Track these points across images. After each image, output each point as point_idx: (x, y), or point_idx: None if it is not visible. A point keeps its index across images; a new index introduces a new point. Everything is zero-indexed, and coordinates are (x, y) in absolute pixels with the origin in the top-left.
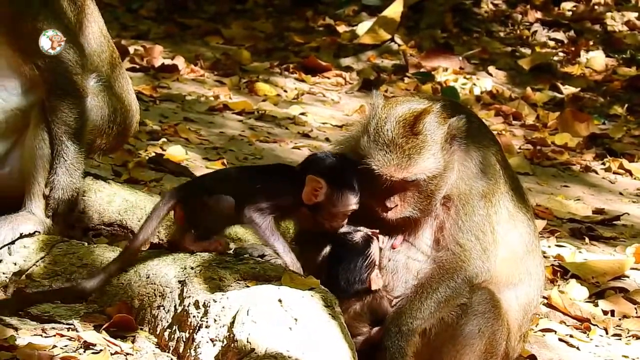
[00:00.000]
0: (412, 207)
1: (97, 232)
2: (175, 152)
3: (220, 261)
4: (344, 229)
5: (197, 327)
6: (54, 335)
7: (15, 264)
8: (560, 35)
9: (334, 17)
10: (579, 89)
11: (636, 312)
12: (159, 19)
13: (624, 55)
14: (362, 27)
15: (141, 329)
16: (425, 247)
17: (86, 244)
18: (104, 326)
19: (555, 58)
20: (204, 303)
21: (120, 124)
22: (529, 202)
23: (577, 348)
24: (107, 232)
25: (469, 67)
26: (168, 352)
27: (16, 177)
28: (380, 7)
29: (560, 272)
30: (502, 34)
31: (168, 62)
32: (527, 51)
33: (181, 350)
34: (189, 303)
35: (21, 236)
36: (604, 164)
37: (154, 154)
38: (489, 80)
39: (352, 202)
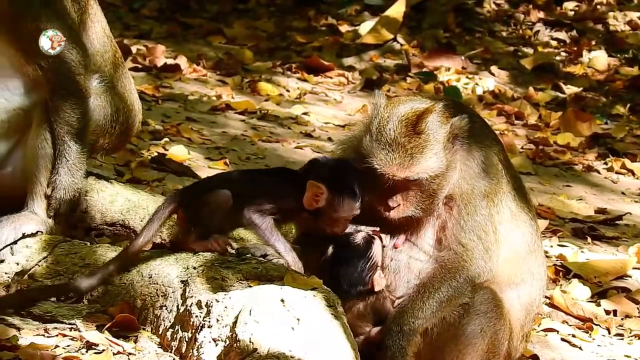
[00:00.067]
0: (415, 206)
1: (99, 232)
2: (178, 151)
3: (222, 261)
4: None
5: (200, 327)
6: (57, 335)
7: (17, 264)
8: (562, 35)
9: (337, 16)
10: (581, 88)
11: (638, 312)
12: (161, 19)
13: (626, 55)
14: (365, 27)
15: (143, 329)
16: (428, 246)
17: (88, 243)
18: (107, 326)
19: (558, 58)
20: (207, 303)
21: (123, 124)
22: (532, 202)
23: (580, 348)
24: (110, 232)
25: (471, 66)
26: (170, 352)
27: (19, 176)
28: (382, 6)
29: (563, 271)
30: (504, 34)
31: (170, 61)
32: (530, 51)
33: (183, 350)
34: (192, 303)
35: (24, 236)
36: (606, 163)
37: (156, 154)
38: (492, 80)
39: (354, 207)
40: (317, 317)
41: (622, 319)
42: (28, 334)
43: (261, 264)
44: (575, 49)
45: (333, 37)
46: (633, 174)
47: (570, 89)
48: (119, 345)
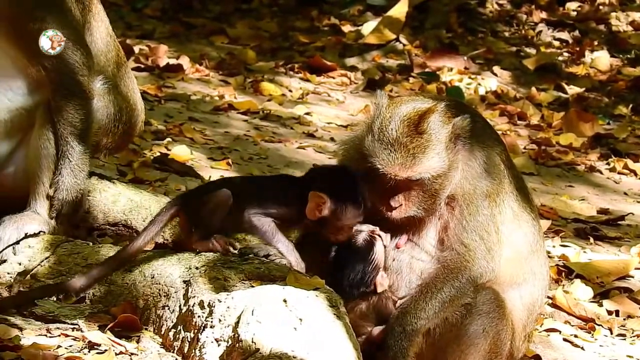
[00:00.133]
0: (417, 206)
1: (101, 232)
2: (180, 151)
3: (225, 261)
4: None
5: (202, 327)
6: (59, 335)
7: (20, 264)
8: (565, 35)
9: (339, 16)
10: (583, 89)
11: None
12: (164, 19)
13: (628, 56)
14: (367, 27)
15: (146, 329)
16: (430, 246)
17: (91, 243)
18: (109, 326)
19: (560, 58)
20: (209, 303)
21: (126, 123)
22: (534, 202)
23: (582, 348)
24: (112, 232)
25: (473, 67)
26: (173, 352)
27: (21, 176)
28: (385, 7)
29: (565, 272)
30: (507, 34)
31: (173, 61)
32: (532, 51)
33: (186, 350)
34: (194, 303)
35: (26, 236)
36: (608, 164)
37: (159, 154)
38: (494, 80)
39: (357, 215)
40: (320, 317)
41: (624, 319)
42: (30, 334)
43: (264, 264)
44: (577, 49)
45: (336, 37)
46: (635, 174)
47: (572, 90)
48: (121, 346)
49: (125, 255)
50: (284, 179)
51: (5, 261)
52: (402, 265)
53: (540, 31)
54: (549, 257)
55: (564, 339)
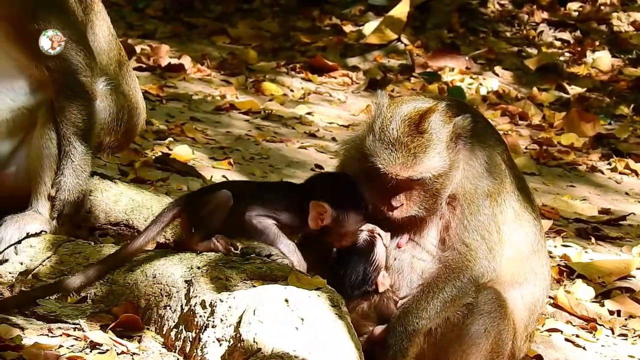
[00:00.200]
0: (418, 206)
1: (103, 232)
2: (182, 151)
3: (226, 261)
4: None
5: (204, 327)
6: (61, 335)
7: (21, 264)
8: (566, 36)
9: (341, 16)
10: (585, 89)
11: None
12: (165, 19)
13: (630, 56)
14: (369, 27)
15: (147, 329)
16: (431, 246)
17: (92, 243)
18: (111, 326)
19: (562, 58)
20: (211, 303)
21: (128, 122)
22: (535, 202)
23: (584, 348)
24: (114, 231)
25: (475, 67)
26: (174, 352)
27: (23, 176)
28: (386, 7)
29: (567, 272)
30: (508, 34)
31: (174, 61)
32: (534, 51)
33: (187, 350)
34: (196, 303)
35: (27, 235)
36: (610, 164)
37: (160, 154)
38: (495, 80)
39: (359, 220)
40: (321, 317)
41: (625, 319)
42: (32, 334)
43: (265, 264)
44: (579, 49)
45: (337, 37)
46: (637, 174)
47: (574, 90)
48: (123, 345)
49: (126, 254)
50: (284, 186)
51: (6, 261)
52: (403, 264)
53: (542, 31)
54: (550, 257)
55: (566, 339)
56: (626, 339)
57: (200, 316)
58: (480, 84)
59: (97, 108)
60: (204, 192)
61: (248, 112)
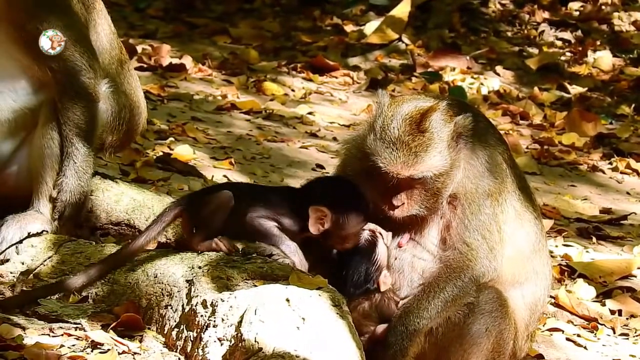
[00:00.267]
0: (419, 205)
1: (104, 232)
2: (183, 151)
3: (227, 260)
4: None
5: (205, 327)
6: (62, 335)
7: (23, 264)
8: (567, 35)
9: (342, 16)
10: (586, 88)
11: None
12: (166, 18)
13: (631, 55)
14: (370, 27)
15: (149, 329)
16: (432, 246)
17: (94, 243)
18: (112, 325)
19: (563, 58)
20: (212, 302)
21: (129, 121)
22: (536, 202)
23: (585, 347)
24: (115, 231)
25: (476, 66)
26: (176, 352)
27: (24, 176)
28: (387, 6)
29: (568, 271)
30: (509, 34)
31: (176, 61)
32: (535, 51)
33: (189, 349)
34: (197, 302)
35: (29, 235)
36: (611, 163)
37: (161, 153)
38: (497, 80)
39: (360, 221)
40: (323, 317)
41: (627, 318)
42: (33, 334)
43: (266, 264)
44: (580, 49)
45: (338, 37)
46: (638, 174)
47: (575, 89)
48: (124, 345)
49: (127, 254)
50: (285, 190)
51: (8, 260)
52: (404, 264)
53: (543, 31)
54: (551, 256)
55: (567, 339)
56: (627, 339)
57: (202, 316)
58: (482, 84)
59: (99, 109)
60: (206, 192)
61: (249, 111)
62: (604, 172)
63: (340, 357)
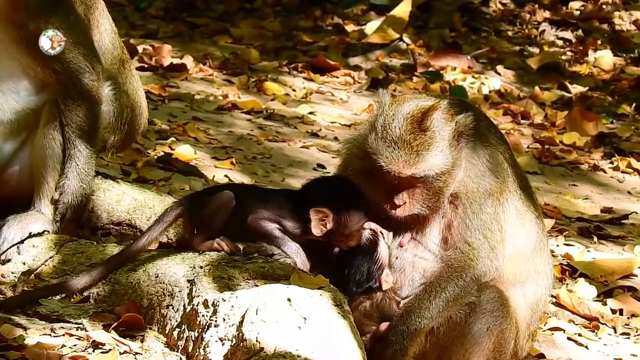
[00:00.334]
0: (421, 204)
1: (106, 232)
2: (184, 151)
3: (229, 260)
4: None
5: (206, 326)
6: (63, 335)
7: (24, 264)
8: (568, 35)
9: (343, 16)
10: (587, 88)
11: None
12: (167, 18)
13: (632, 55)
14: (371, 27)
15: (150, 328)
16: (433, 245)
17: (95, 243)
18: (113, 325)
19: (564, 57)
20: (213, 302)
21: (131, 121)
22: (537, 201)
23: (586, 347)
24: (116, 231)
25: (477, 66)
26: (177, 352)
27: (26, 176)
28: (388, 6)
29: (569, 271)
30: (510, 33)
31: (177, 61)
32: (536, 50)
33: (190, 349)
34: (198, 302)
35: (30, 235)
36: (612, 163)
37: (162, 153)
38: (497, 80)
39: (361, 218)
40: (324, 316)
41: (628, 318)
42: (35, 334)
43: (268, 263)
44: (581, 48)
45: (339, 37)
46: (639, 173)
47: (576, 89)
48: (126, 345)
49: (129, 254)
50: (284, 193)
51: (9, 261)
52: (405, 263)
53: (544, 30)
54: (552, 255)
55: (568, 338)
56: (628, 338)
57: (203, 315)
58: (482, 83)
59: (102, 111)
60: (207, 193)
61: (250, 111)
62: (605, 172)
63: (341, 357)
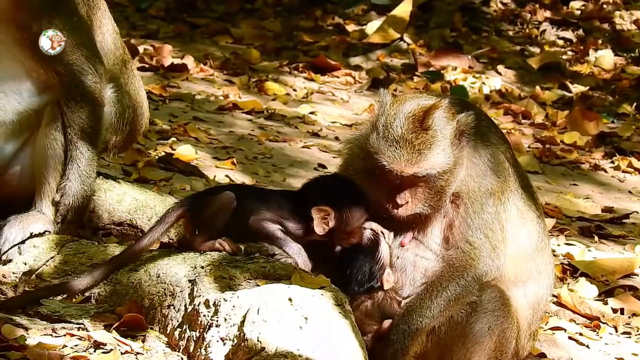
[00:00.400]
0: (422, 203)
1: (107, 232)
2: (185, 151)
3: (230, 260)
4: None
5: (208, 326)
6: (64, 335)
7: (25, 264)
8: (569, 34)
9: (343, 16)
10: (587, 87)
11: None
12: (168, 19)
13: (632, 54)
14: (372, 26)
15: (151, 328)
16: (434, 245)
17: (96, 243)
18: (114, 325)
19: (564, 57)
20: (214, 302)
21: (132, 121)
22: (538, 201)
23: (587, 346)
24: (117, 231)
25: (478, 66)
26: (178, 352)
27: (27, 176)
28: (389, 6)
29: (570, 270)
30: (511, 33)
31: (177, 61)
32: (536, 50)
33: (191, 349)
34: (199, 302)
35: (31, 236)
36: (612, 162)
37: (163, 153)
38: (498, 79)
39: (363, 214)
40: (325, 316)
41: (629, 317)
42: (36, 334)
43: (269, 263)
44: (581, 48)
45: (340, 37)
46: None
47: (576, 88)
48: (127, 345)
49: (131, 254)
50: (285, 194)
51: (10, 261)
52: (406, 263)
53: (544, 30)
54: (553, 255)
55: (569, 337)
56: (629, 337)
57: (204, 315)
58: (483, 83)
59: (104, 113)
60: (208, 193)
61: (251, 111)
62: (605, 171)
63: (343, 356)
